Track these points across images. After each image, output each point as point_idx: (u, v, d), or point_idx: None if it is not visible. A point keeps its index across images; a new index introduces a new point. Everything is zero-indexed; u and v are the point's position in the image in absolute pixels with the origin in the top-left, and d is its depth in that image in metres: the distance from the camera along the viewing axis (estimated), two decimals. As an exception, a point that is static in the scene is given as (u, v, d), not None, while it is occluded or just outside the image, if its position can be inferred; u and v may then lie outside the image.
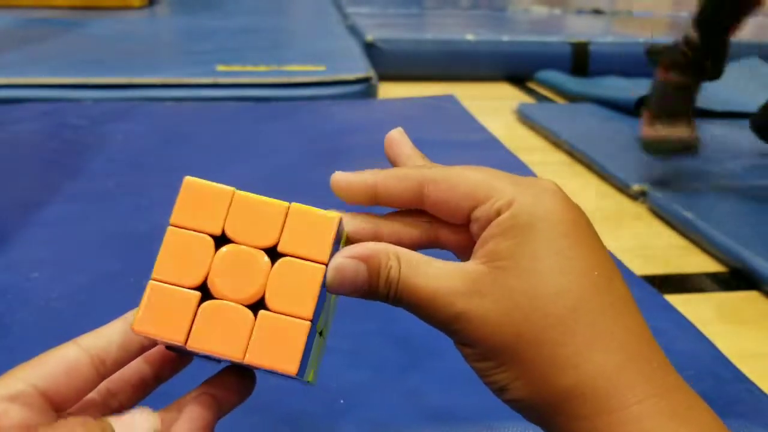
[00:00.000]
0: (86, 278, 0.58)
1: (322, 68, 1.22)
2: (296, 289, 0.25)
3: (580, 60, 1.53)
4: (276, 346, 0.25)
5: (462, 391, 0.44)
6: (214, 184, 0.26)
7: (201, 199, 0.26)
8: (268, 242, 0.26)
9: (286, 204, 0.26)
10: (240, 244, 0.26)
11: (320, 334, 0.27)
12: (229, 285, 0.25)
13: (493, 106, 1.29)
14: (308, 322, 0.25)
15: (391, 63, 1.48)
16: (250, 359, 0.25)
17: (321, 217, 0.26)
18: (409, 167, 0.29)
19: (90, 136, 0.94)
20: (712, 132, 1.10)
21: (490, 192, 0.27)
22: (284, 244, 0.26)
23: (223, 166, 0.85)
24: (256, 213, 0.26)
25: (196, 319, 0.25)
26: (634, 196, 0.86)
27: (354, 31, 1.64)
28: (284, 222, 0.26)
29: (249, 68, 1.22)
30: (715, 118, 1.16)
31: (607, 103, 1.22)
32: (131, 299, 0.56)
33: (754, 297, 0.65)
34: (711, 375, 0.46)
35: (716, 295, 0.66)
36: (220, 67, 1.21)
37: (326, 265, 0.25)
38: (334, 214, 0.26)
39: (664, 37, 1.59)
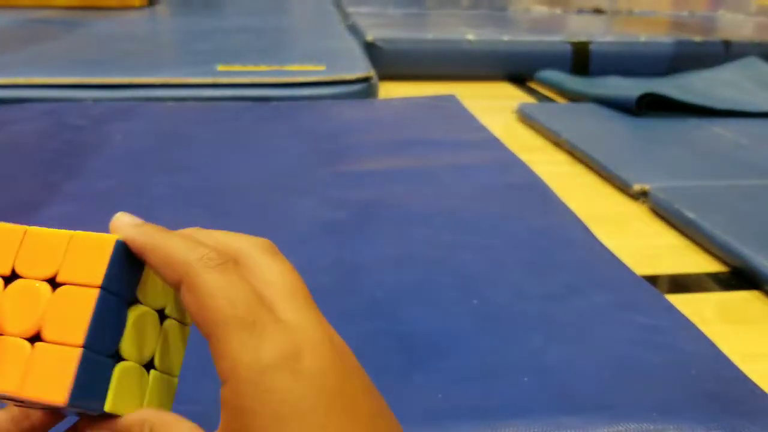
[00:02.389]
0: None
1: (322, 68, 1.21)
2: (70, 317, 0.25)
3: (581, 59, 1.53)
4: (49, 377, 0.24)
5: (465, 391, 0.44)
6: (6, 224, 0.26)
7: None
8: (49, 273, 0.25)
9: (69, 233, 0.26)
10: (25, 278, 0.25)
11: (123, 360, 0.26)
12: (12, 320, 0.25)
13: (494, 105, 1.29)
14: (79, 349, 0.24)
15: (391, 62, 1.48)
16: (24, 393, 0.24)
17: (99, 239, 0.26)
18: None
19: (90, 136, 0.94)
20: (713, 131, 1.10)
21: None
22: (62, 273, 0.25)
23: (223, 166, 0.84)
24: (43, 246, 0.26)
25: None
26: (635, 196, 0.86)
27: (354, 30, 1.64)
28: (65, 251, 0.26)
29: (249, 68, 1.21)
30: (716, 117, 1.16)
31: (608, 102, 1.22)
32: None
33: (755, 297, 0.65)
34: (712, 375, 0.46)
35: (717, 294, 0.66)
36: (221, 67, 1.21)
37: (101, 288, 0.25)
38: (110, 237, 0.26)
39: (666, 36, 1.59)
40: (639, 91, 1.16)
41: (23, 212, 0.70)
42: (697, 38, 1.59)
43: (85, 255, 0.25)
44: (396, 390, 0.44)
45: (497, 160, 0.89)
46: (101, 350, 0.25)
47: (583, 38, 1.55)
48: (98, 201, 0.74)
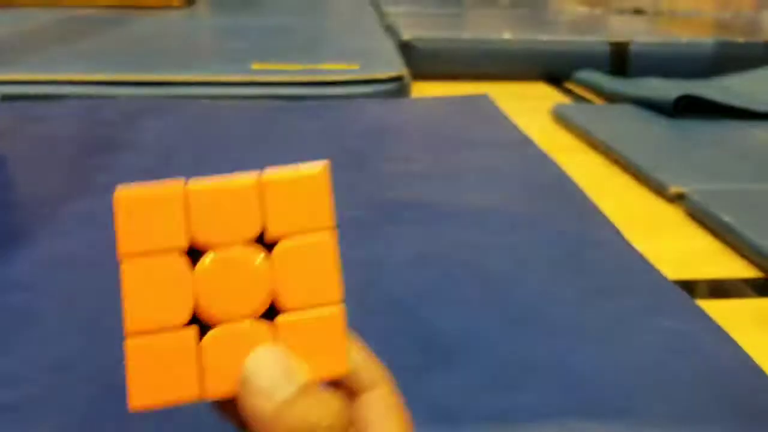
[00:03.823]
0: (114, 273, 0.58)
1: (356, 67, 1.21)
2: (310, 274, 0.20)
3: (620, 60, 1.50)
4: (314, 351, 0.20)
5: (485, 393, 0.43)
6: (157, 185, 0.20)
7: (148, 210, 0.20)
8: (253, 232, 0.20)
9: (255, 178, 0.21)
10: (220, 247, 0.20)
11: None
12: (227, 302, 0.20)
13: (530, 106, 1.27)
14: (337, 305, 0.20)
15: (427, 62, 1.47)
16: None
17: (304, 176, 0.21)
18: None
19: (124, 132, 0.95)
20: (753, 134, 1.07)
21: None
22: (274, 226, 0.20)
23: (254, 163, 0.84)
24: (224, 202, 0.20)
25: (204, 361, 0.20)
26: (671, 199, 0.84)
27: (391, 30, 1.63)
28: (263, 199, 0.21)
29: (283, 66, 1.22)
30: (756, 120, 1.13)
31: (646, 103, 1.20)
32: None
33: (792, 304, 0.63)
34: (742, 384, 0.44)
35: (753, 301, 0.64)
36: (255, 65, 1.21)
37: (332, 229, 0.20)
38: (317, 167, 0.21)
39: (708, 37, 1.56)
40: (678, 93, 1.14)
41: (53, 205, 0.71)
42: (740, 39, 1.56)
43: (293, 198, 0.21)
44: (414, 390, 0.43)
45: (529, 160, 0.88)
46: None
47: (622, 39, 1.52)
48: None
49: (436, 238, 0.65)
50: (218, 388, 0.20)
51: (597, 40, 1.52)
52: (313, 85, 1.16)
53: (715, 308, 0.56)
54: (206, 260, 0.20)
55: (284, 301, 0.20)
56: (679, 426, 0.41)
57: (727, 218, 0.74)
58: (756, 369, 0.46)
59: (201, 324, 0.20)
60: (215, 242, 0.20)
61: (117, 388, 0.43)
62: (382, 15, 1.91)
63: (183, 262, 0.20)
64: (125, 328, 0.20)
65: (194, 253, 0.20)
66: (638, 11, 2.11)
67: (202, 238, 0.20)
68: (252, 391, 0.20)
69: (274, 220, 0.20)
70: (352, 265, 0.60)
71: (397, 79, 1.19)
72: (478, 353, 0.47)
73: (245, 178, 0.21)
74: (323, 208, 0.21)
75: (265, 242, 0.20)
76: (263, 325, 0.20)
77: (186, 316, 0.20)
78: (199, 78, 1.15)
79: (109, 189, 0.72)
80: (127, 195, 0.20)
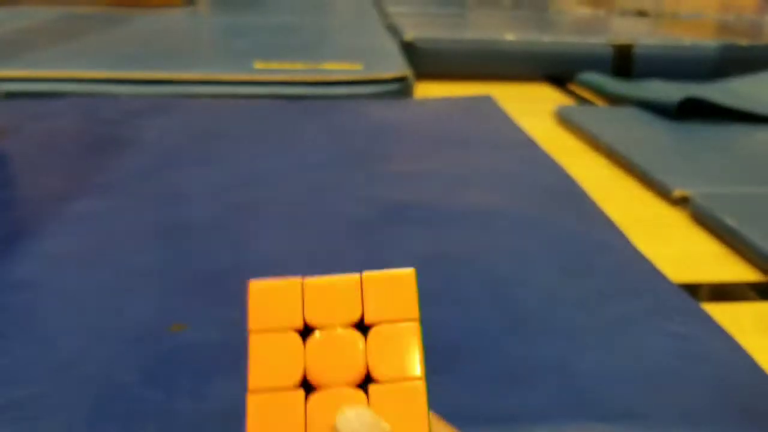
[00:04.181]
0: (117, 272, 0.58)
1: (358, 67, 1.21)
2: (398, 353, 0.25)
3: (624, 62, 1.50)
4: (398, 416, 0.24)
5: (488, 395, 0.43)
6: (281, 279, 0.26)
7: (272, 298, 0.25)
8: (354, 318, 0.25)
9: (357, 276, 0.26)
10: (325, 328, 0.25)
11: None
12: (330, 371, 0.24)
13: (533, 107, 1.27)
14: (421, 381, 0.25)
15: (430, 62, 1.47)
16: None
17: (396, 276, 0.26)
18: None
19: (125, 130, 0.95)
20: (757, 137, 1.07)
21: None
22: (370, 314, 0.25)
23: (257, 163, 0.84)
24: (331, 294, 0.26)
25: (308, 415, 0.24)
26: (675, 202, 0.84)
27: (393, 30, 1.63)
28: (361, 293, 0.26)
29: (286, 65, 1.21)
30: (760, 123, 1.13)
31: (650, 106, 1.19)
32: (162, 293, 0.56)
33: (797, 308, 0.63)
34: (747, 387, 0.44)
35: (757, 305, 0.64)
36: (257, 64, 1.21)
37: (418, 320, 0.25)
38: (407, 270, 0.26)
39: (712, 40, 1.56)
40: (681, 96, 1.14)
41: (55, 204, 0.70)
42: (744, 42, 1.55)
43: (386, 293, 0.26)
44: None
45: (532, 162, 0.87)
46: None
47: (626, 40, 1.52)
48: (130, 195, 0.74)
49: (438, 240, 0.64)
50: None
51: (600, 41, 1.52)
52: (315, 84, 1.16)
53: (718, 311, 0.56)
54: (316, 336, 0.25)
55: (376, 373, 0.25)
56: (683, 429, 0.40)
57: (731, 221, 0.74)
58: (760, 372, 0.46)
59: (309, 388, 0.25)
60: (324, 324, 0.25)
61: (120, 387, 0.43)
62: (384, 15, 1.91)
63: (298, 337, 0.25)
64: (248, 387, 0.24)
65: (307, 332, 0.25)
66: (641, 13, 2.11)
67: (313, 321, 0.25)
68: None
69: (371, 309, 0.25)
70: (354, 266, 0.59)
71: (401, 79, 1.19)
72: (482, 355, 0.47)
73: (350, 276, 0.26)
74: (411, 302, 0.25)
75: (363, 326, 0.25)
76: (358, 392, 0.25)
77: (297, 379, 0.24)
78: (202, 76, 1.15)
79: (110, 188, 0.72)
80: (258, 286, 0.26)
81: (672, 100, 1.14)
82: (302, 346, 0.25)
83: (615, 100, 1.32)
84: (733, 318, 0.60)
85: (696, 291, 0.65)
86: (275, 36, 1.54)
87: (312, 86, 1.15)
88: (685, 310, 0.54)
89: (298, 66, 1.21)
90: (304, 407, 0.24)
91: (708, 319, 0.53)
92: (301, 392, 0.24)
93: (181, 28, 1.71)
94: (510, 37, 1.50)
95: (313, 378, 0.24)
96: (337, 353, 0.25)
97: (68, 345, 0.48)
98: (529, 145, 0.94)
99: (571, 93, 1.43)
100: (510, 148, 0.93)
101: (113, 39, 1.47)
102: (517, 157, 0.89)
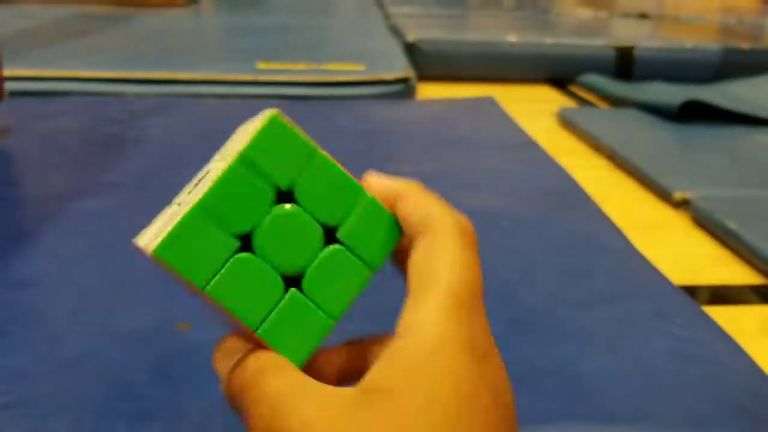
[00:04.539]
0: (121, 270, 0.58)
1: (361, 67, 1.21)
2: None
3: (625, 64, 1.50)
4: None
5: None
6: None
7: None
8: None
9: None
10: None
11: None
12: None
13: (534, 109, 1.27)
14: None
15: (432, 63, 1.47)
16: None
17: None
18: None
19: (129, 130, 0.95)
20: (758, 140, 1.07)
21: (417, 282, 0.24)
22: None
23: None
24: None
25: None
26: (676, 204, 0.84)
27: (396, 30, 1.63)
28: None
29: (289, 66, 1.22)
30: (761, 126, 1.13)
31: (651, 108, 1.20)
32: (166, 292, 0.56)
33: (797, 311, 0.63)
34: (748, 390, 0.44)
35: (758, 308, 0.64)
36: (261, 65, 1.21)
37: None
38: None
39: (713, 43, 1.56)
40: (683, 98, 1.14)
41: (61, 203, 0.71)
42: (745, 45, 1.56)
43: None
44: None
45: (534, 163, 0.88)
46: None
47: (627, 43, 1.52)
48: (135, 194, 0.74)
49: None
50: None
51: (602, 44, 1.52)
52: (318, 85, 1.16)
53: (719, 314, 0.56)
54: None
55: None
56: (684, 430, 0.41)
57: (731, 224, 0.75)
58: (760, 375, 0.46)
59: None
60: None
61: (127, 385, 0.44)
62: (387, 16, 1.91)
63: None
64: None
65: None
66: (643, 15, 2.12)
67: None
68: None
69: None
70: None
71: (403, 80, 1.19)
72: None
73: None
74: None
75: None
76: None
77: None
78: (205, 76, 1.16)
79: (115, 187, 0.72)
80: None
81: (673, 102, 1.15)
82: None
83: (616, 102, 1.32)
84: (734, 321, 0.60)
85: (696, 293, 0.66)
86: (278, 36, 1.55)
87: (314, 87, 1.16)
88: (686, 312, 0.54)
89: (301, 66, 1.22)
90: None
91: (709, 322, 0.53)
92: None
93: (184, 28, 1.72)
94: (512, 38, 1.51)
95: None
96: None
97: (75, 343, 0.48)
98: (530, 146, 0.95)
99: (573, 95, 1.43)
100: (512, 149, 0.93)
101: (117, 39, 1.48)
102: (518, 159, 0.89)
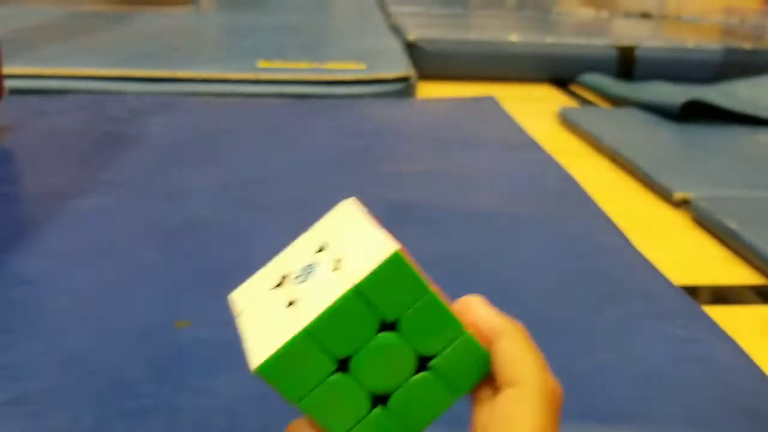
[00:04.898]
0: (121, 268, 0.58)
1: (362, 66, 1.21)
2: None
3: (626, 64, 1.50)
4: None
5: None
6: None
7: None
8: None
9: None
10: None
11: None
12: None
13: (536, 108, 1.27)
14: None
15: (433, 63, 1.47)
16: None
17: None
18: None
19: (130, 128, 0.95)
20: (759, 140, 1.07)
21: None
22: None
23: (260, 161, 0.85)
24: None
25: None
26: (677, 204, 0.84)
27: (397, 30, 1.63)
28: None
29: (290, 65, 1.22)
30: (762, 126, 1.13)
31: (652, 108, 1.20)
32: (166, 290, 0.56)
33: (798, 311, 0.63)
34: (747, 390, 0.44)
35: (758, 308, 0.64)
36: (261, 63, 1.21)
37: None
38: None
39: (715, 43, 1.56)
40: (684, 98, 1.14)
41: (61, 201, 0.71)
42: (746, 45, 1.56)
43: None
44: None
45: (534, 163, 0.88)
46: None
47: (629, 42, 1.52)
48: (134, 192, 0.74)
49: (440, 240, 0.65)
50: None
51: (603, 43, 1.52)
52: (319, 84, 1.16)
53: (720, 314, 0.56)
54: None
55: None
56: (684, 431, 0.41)
57: (732, 224, 0.74)
58: (760, 375, 0.46)
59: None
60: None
61: (126, 382, 0.44)
62: (387, 15, 1.91)
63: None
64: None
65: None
66: (645, 15, 2.11)
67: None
68: None
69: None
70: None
71: (404, 79, 1.19)
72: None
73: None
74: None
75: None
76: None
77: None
78: (206, 75, 1.16)
79: (115, 185, 0.72)
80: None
81: (674, 102, 1.14)
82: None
83: (617, 101, 1.32)
84: (735, 321, 0.60)
85: (697, 294, 0.66)
86: (279, 35, 1.55)
87: (315, 85, 1.16)
88: (687, 312, 0.54)
89: (302, 65, 1.22)
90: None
91: (709, 322, 0.53)
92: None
93: (185, 26, 1.72)
94: (513, 38, 1.51)
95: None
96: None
97: (75, 341, 0.48)
98: (531, 146, 0.94)
99: (574, 94, 1.43)
100: (512, 149, 0.93)
101: (118, 37, 1.47)
102: (519, 159, 0.89)
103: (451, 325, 0.25)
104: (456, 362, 0.25)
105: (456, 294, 0.55)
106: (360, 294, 0.23)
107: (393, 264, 0.24)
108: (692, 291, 0.64)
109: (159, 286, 0.55)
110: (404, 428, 0.25)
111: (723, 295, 0.67)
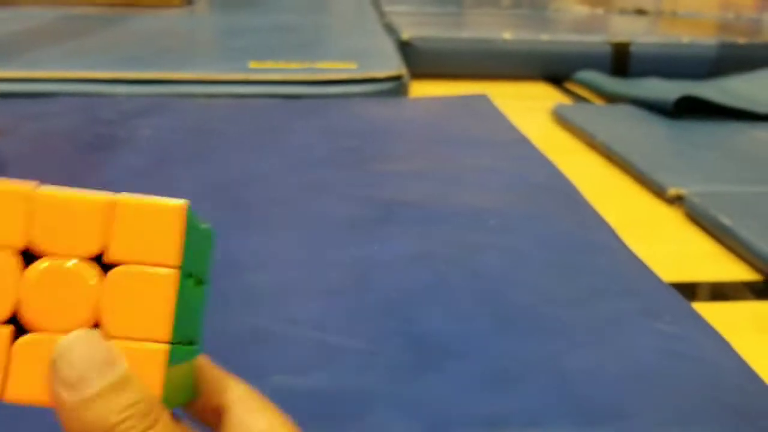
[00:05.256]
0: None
1: (353, 66, 1.21)
2: (141, 306, 0.19)
3: (621, 60, 1.49)
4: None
5: (478, 395, 0.43)
6: (6, 182, 0.20)
7: None
8: (93, 250, 0.20)
9: (110, 197, 0.20)
10: (55, 256, 0.19)
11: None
12: (50, 312, 0.19)
13: (530, 106, 1.27)
14: (164, 346, 0.19)
15: (427, 61, 1.46)
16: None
17: (162, 208, 0.20)
18: None
19: (121, 130, 0.94)
20: (753, 135, 1.06)
21: None
22: (114, 251, 0.20)
23: (251, 162, 0.84)
24: (71, 214, 0.20)
25: (12, 363, 0.19)
26: (670, 201, 0.84)
27: (390, 29, 1.63)
28: (112, 221, 0.20)
29: (281, 65, 1.21)
30: (757, 121, 1.12)
31: (646, 104, 1.19)
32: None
33: (791, 307, 0.63)
34: (736, 387, 0.44)
35: (752, 304, 0.64)
36: (253, 64, 1.21)
37: (179, 268, 0.20)
38: (176, 203, 0.20)
39: (710, 38, 1.56)
40: (678, 94, 1.14)
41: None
42: (741, 41, 1.55)
43: (144, 227, 0.20)
44: (406, 391, 0.43)
45: (525, 161, 0.87)
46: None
47: (623, 39, 1.52)
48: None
49: (431, 238, 0.64)
50: (20, 393, 0.20)
51: (598, 40, 1.52)
52: (310, 84, 1.16)
53: (713, 311, 0.55)
54: (38, 266, 0.19)
55: (108, 326, 0.19)
56: (672, 429, 0.40)
57: (726, 221, 0.74)
58: (750, 372, 0.46)
59: (20, 327, 0.20)
60: (53, 251, 0.20)
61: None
62: (381, 13, 1.91)
63: (13, 261, 0.19)
64: None
65: (29, 258, 0.20)
66: (640, 11, 2.11)
67: (40, 245, 0.20)
68: (57, 378, 0.19)
69: (117, 243, 0.20)
70: (346, 264, 0.59)
71: (396, 78, 1.19)
72: (471, 354, 0.47)
73: (98, 196, 0.20)
74: (172, 245, 0.20)
75: (103, 263, 0.20)
76: None
77: (4, 314, 0.19)
78: (197, 76, 1.15)
79: (106, 187, 0.72)
80: None
81: (669, 98, 1.14)
82: (20, 273, 0.19)
83: (612, 98, 1.31)
84: (729, 318, 0.59)
85: (691, 290, 0.65)
86: (272, 36, 1.54)
87: (307, 85, 1.15)
88: (676, 309, 0.54)
89: (293, 65, 1.21)
90: (8, 351, 0.19)
91: (699, 319, 0.53)
92: (7, 330, 0.19)
93: (177, 28, 1.71)
94: (507, 36, 1.50)
95: (26, 317, 0.19)
96: (62, 290, 0.19)
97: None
98: (523, 143, 0.94)
99: (569, 92, 1.43)
100: (504, 146, 0.92)
101: (110, 39, 1.47)
102: (510, 156, 0.89)
103: None
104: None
105: (445, 292, 0.55)
106: None
107: None
108: (686, 287, 0.64)
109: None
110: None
111: (717, 292, 0.66)
